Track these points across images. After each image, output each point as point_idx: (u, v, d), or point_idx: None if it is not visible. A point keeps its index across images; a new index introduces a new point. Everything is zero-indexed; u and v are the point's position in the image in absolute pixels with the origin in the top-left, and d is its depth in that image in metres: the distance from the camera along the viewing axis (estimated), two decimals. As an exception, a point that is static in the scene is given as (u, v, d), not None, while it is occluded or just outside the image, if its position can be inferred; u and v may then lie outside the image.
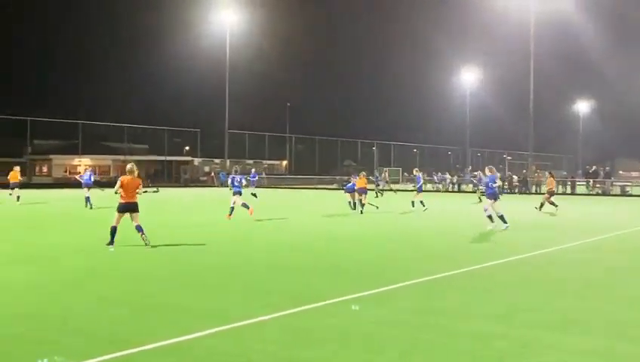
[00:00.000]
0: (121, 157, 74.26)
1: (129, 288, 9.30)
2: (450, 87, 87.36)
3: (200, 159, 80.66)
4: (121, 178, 13.76)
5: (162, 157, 75.73)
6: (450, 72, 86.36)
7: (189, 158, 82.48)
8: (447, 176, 59.00)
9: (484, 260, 12.11)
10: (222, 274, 10.62)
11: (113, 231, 13.57)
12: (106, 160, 78.88)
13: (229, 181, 21.53)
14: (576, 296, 9.03)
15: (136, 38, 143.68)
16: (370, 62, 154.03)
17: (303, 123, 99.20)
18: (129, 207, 13.64)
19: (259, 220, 20.41)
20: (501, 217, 18.19)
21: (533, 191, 50.98)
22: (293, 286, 9.56)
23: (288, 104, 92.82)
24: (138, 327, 7.03)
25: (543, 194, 30.86)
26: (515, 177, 54.57)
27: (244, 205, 20.70)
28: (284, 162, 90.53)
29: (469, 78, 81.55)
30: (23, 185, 33.19)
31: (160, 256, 12.64)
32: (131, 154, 75.92)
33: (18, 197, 29.40)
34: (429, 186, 51.02)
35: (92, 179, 27.31)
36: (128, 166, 14.02)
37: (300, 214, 24.74)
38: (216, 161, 79.72)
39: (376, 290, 9.08)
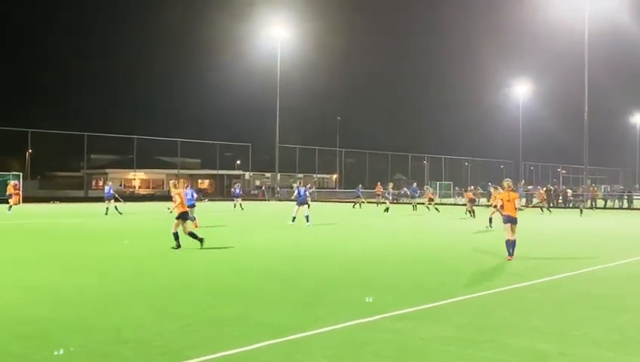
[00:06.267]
0: (175, 171, 75.60)
1: (185, 300, 9.37)
2: (503, 99, 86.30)
3: (251, 173, 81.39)
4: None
5: (214, 171, 76.71)
6: (503, 85, 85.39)
7: (240, 172, 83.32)
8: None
9: (536, 276, 11.85)
10: (278, 287, 10.63)
11: None
12: (160, 174, 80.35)
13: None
14: (637, 312, 8.74)
15: (188, 54, 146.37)
16: (421, 76, 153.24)
17: (354, 137, 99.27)
18: None
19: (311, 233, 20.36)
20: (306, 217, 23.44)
21: (589, 205, 49.74)
22: (348, 299, 9.47)
23: (339, 118, 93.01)
24: (192, 339, 7.06)
25: (599, 208, 30.03)
26: (570, 191, 53.36)
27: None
28: (335, 176, 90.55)
29: (521, 91, 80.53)
30: (80, 199, 35.67)
31: (221, 267, 12.81)
32: (184, 168, 77.24)
33: (10, 207, 33.17)
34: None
35: (111, 192, 33.36)
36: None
37: (353, 226, 24.67)
38: (267, 174, 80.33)
39: (431, 305, 8.99)
